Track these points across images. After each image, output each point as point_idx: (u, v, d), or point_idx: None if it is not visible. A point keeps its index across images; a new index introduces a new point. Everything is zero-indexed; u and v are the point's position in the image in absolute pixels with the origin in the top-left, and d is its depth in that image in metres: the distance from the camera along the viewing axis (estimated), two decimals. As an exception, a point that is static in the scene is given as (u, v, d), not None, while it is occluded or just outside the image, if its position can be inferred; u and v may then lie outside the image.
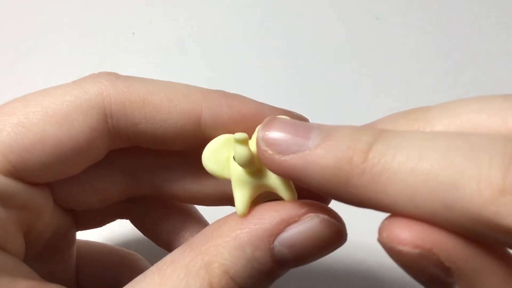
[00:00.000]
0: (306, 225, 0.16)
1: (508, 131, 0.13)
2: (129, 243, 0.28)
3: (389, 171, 0.13)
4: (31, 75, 0.34)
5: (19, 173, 0.17)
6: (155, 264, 0.16)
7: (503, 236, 0.12)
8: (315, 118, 0.18)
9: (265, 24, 0.36)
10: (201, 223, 0.22)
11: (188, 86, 0.18)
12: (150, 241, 0.22)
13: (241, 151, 0.15)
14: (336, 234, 0.16)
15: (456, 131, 0.14)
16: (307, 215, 0.16)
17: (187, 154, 0.20)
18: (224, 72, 0.35)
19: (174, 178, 0.20)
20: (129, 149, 0.19)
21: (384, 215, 0.14)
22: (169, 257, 0.16)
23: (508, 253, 0.13)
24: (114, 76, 0.18)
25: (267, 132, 0.14)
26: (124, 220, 0.23)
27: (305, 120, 0.18)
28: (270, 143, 0.14)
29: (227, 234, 0.16)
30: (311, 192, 0.15)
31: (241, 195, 0.16)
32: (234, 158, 0.16)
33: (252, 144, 0.16)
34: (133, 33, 0.36)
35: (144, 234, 0.22)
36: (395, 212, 0.13)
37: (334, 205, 0.17)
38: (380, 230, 0.13)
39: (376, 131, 0.14)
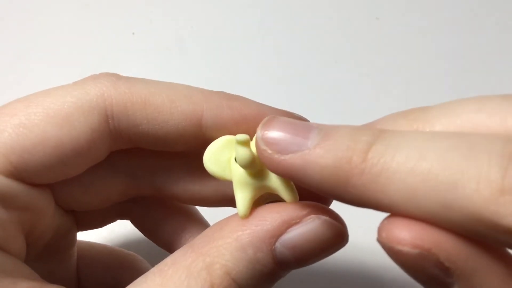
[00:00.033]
0: (308, 226, 0.16)
1: (507, 131, 0.13)
2: (129, 244, 0.28)
3: (388, 171, 0.13)
4: (31, 75, 0.34)
5: (20, 174, 0.17)
6: (156, 265, 0.16)
7: (502, 236, 0.12)
8: (315, 118, 0.18)
9: (265, 24, 0.36)
10: (202, 224, 0.22)
11: (189, 87, 0.18)
12: (150, 242, 0.22)
13: (243, 152, 0.15)
14: (338, 236, 0.16)
15: (455, 131, 0.14)
16: (309, 217, 0.16)
17: (188, 155, 0.20)
18: (224, 72, 0.35)
19: (175, 179, 0.20)
20: (130, 150, 0.19)
21: (383, 215, 0.14)
22: (170, 258, 0.16)
23: (508, 253, 0.13)
24: (116, 77, 0.18)
25: (266, 132, 0.14)
26: (124, 220, 0.23)
27: (305, 121, 0.18)
28: (269, 142, 0.14)
29: (228, 236, 0.16)
30: (313, 194, 0.15)
31: (242, 196, 0.16)
32: (235, 159, 0.16)
33: (253, 145, 0.16)
34: (133, 33, 0.36)
35: (144, 235, 0.22)
36: (395, 212, 0.13)
37: (334, 205, 0.17)
38: (380, 230, 0.13)
39: (375, 131, 0.14)
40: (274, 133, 0.14)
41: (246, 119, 0.18)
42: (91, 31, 0.36)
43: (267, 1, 0.37)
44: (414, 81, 0.34)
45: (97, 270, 0.23)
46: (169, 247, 0.21)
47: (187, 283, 0.15)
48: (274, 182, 0.16)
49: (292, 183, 0.16)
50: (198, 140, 0.18)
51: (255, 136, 0.15)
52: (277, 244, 0.15)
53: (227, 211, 0.18)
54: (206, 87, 0.19)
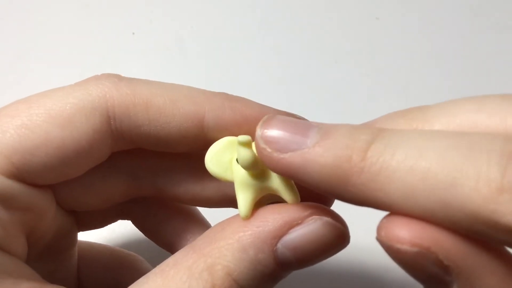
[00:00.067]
0: (309, 227, 0.16)
1: (507, 130, 0.14)
2: (130, 244, 0.28)
3: (387, 170, 0.13)
4: (31, 75, 0.34)
5: (22, 175, 0.17)
6: (157, 266, 0.16)
7: (501, 235, 0.12)
8: (315, 118, 0.18)
9: (265, 24, 0.36)
10: (203, 225, 0.22)
11: (191, 88, 0.18)
12: (151, 242, 0.22)
13: (245, 153, 0.15)
14: (339, 237, 0.16)
15: (454, 130, 0.14)
16: (310, 218, 0.16)
17: (190, 156, 0.20)
18: (224, 72, 0.35)
19: (177, 180, 0.20)
20: (132, 151, 0.19)
21: (383, 215, 0.14)
22: (171, 259, 0.16)
23: (507, 252, 0.13)
24: (117, 78, 0.18)
25: (265, 130, 0.14)
26: (125, 221, 0.23)
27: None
28: (268, 141, 0.14)
29: (230, 236, 0.16)
30: (314, 195, 0.15)
31: (244, 197, 0.16)
32: (237, 160, 0.16)
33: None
34: (133, 33, 0.36)
35: (145, 235, 0.22)
36: (394, 210, 0.13)
37: (335, 205, 0.17)
38: (379, 228, 0.13)
39: (374, 130, 0.14)
40: (274, 132, 0.14)
41: (248, 120, 0.18)
42: (91, 31, 0.36)
43: (267, 1, 0.37)
44: (413, 81, 0.34)
45: (97, 270, 0.23)
46: (170, 247, 0.21)
47: (189, 284, 0.15)
48: (276, 183, 0.16)
49: (293, 184, 0.16)
50: (200, 141, 0.18)
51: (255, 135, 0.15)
52: (279, 245, 0.15)
53: (228, 212, 0.18)
54: (206, 87, 0.19)
